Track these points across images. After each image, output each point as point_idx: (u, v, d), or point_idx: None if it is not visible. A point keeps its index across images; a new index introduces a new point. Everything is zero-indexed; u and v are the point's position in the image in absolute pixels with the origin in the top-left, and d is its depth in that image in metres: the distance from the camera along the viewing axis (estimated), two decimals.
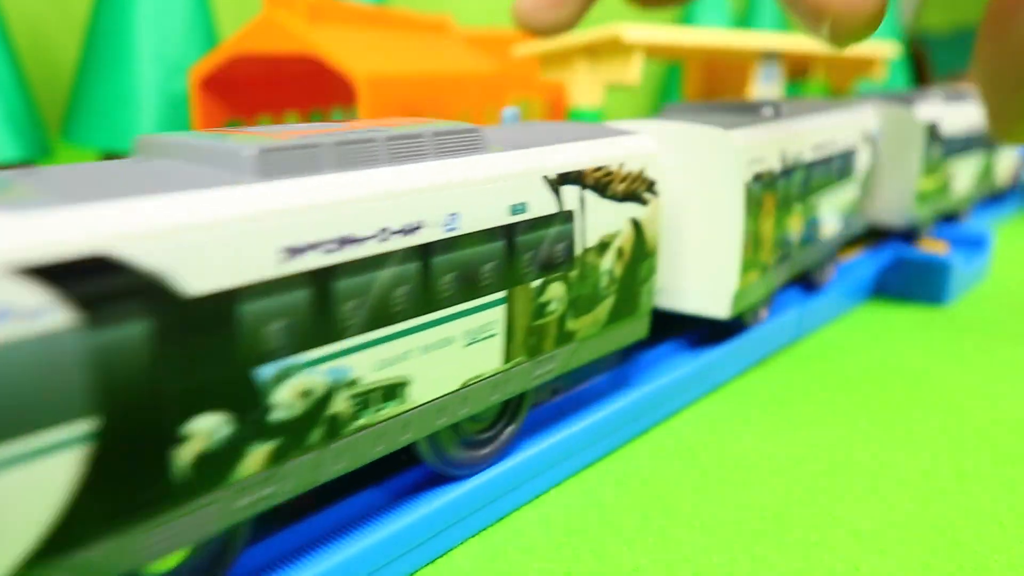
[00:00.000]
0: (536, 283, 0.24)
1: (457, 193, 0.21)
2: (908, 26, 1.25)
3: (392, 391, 0.21)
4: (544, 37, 0.33)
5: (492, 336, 0.23)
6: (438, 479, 0.25)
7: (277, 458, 0.18)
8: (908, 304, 0.48)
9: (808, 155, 0.39)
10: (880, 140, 0.50)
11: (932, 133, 0.51)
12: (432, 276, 0.21)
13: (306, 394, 0.19)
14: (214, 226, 0.16)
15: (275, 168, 0.18)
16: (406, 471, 0.25)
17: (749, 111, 0.38)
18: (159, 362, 0.16)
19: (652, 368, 0.33)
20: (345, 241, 0.19)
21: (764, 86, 0.57)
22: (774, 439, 0.31)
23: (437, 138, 0.22)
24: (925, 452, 0.30)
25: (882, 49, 0.59)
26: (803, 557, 0.23)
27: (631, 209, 0.28)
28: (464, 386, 0.23)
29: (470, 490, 0.24)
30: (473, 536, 0.24)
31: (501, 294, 0.23)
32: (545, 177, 0.24)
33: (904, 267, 0.48)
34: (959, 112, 0.56)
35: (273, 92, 0.62)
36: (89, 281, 0.15)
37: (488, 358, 0.23)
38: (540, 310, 0.25)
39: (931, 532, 0.25)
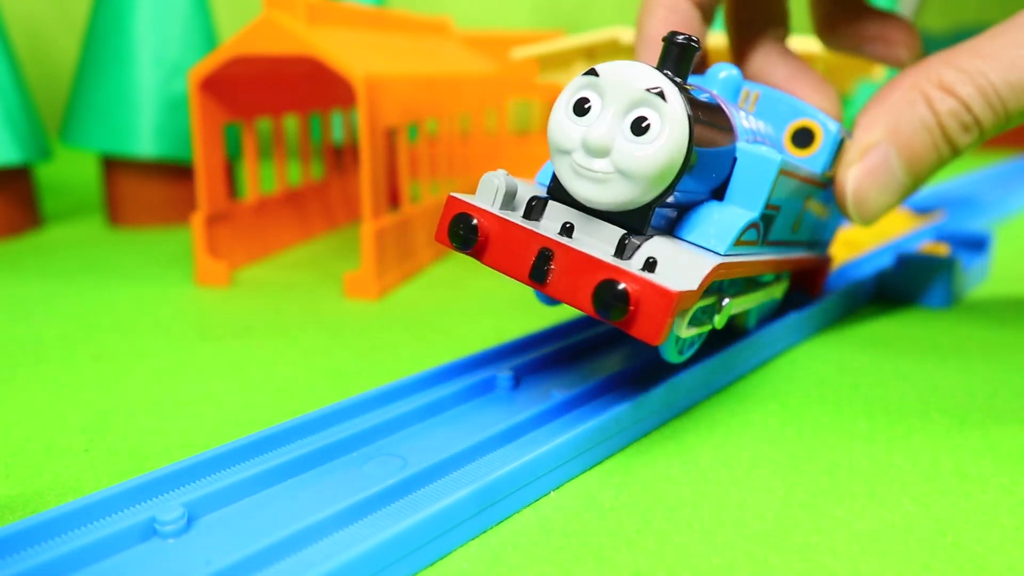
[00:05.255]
0: None
1: None
2: None
3: None
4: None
5: None
6: (436, 479, 0.25)
7: None
8: (909, 305, 0.48)
9: None
10: None
11: None
12: None
13: None
14: None
15: None
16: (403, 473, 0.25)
17: None
18: None
19: (652, 371, 0.33)
20: None
21: None
22: (774, 440, 0.30)
23: None
24: (925, 453, 0.30)
25: None
26: (803, 559, 0.23)
27: None
28: None
29: (469, 493, 0.24)
30: (472, 539, 0.24)
31: None
32: None
33: (905, 268, 0.48)
34: None
35: (273, 93, 0.62)
36: None
37: None
38: None
39: (931, 533, 0.25)
